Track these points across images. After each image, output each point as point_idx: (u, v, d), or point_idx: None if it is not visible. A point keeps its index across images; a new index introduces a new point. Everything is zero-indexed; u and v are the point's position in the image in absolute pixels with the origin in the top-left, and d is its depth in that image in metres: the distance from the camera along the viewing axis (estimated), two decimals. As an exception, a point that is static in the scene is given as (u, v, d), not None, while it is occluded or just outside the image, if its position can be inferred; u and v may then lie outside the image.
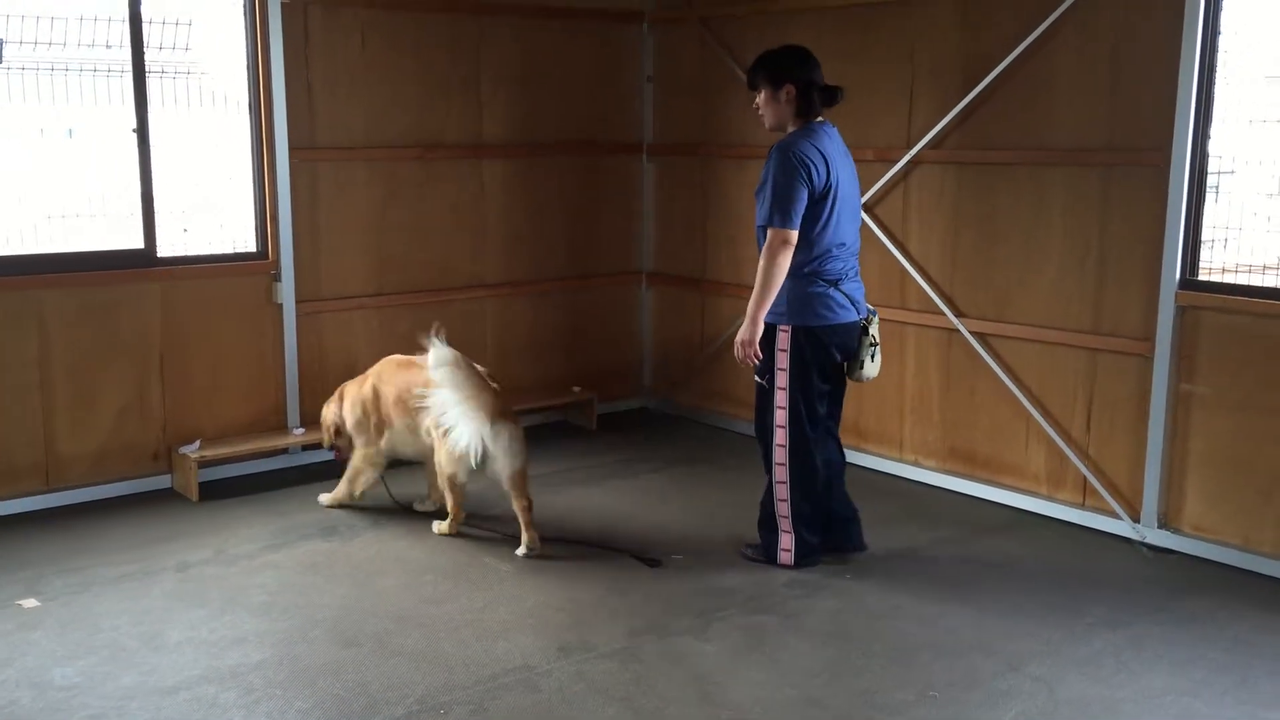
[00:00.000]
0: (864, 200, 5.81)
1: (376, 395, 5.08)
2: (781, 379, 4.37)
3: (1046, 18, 5.01)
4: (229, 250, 5.73)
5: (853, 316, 4.40)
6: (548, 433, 6.54)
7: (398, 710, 3.45)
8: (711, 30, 6.51)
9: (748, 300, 6.44)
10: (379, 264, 6.08)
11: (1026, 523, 5.17)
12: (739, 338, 4.34)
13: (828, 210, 4.26)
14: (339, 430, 5.21)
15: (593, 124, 6.76)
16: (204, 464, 5.41)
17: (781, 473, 4.45)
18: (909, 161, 5.61)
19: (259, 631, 3.98)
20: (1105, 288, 5.01)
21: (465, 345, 6.37)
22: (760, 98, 4.38)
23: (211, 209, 6.06)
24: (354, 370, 5.54)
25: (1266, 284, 4.63)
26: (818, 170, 4.19)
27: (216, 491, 5.41)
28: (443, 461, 4.75)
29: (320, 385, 5.78)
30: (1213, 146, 4.66)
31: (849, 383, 4.59)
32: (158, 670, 3.70)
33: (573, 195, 6.75)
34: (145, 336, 5.45)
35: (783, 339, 4.34)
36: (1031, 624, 4.11)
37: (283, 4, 5.50)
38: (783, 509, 4.49)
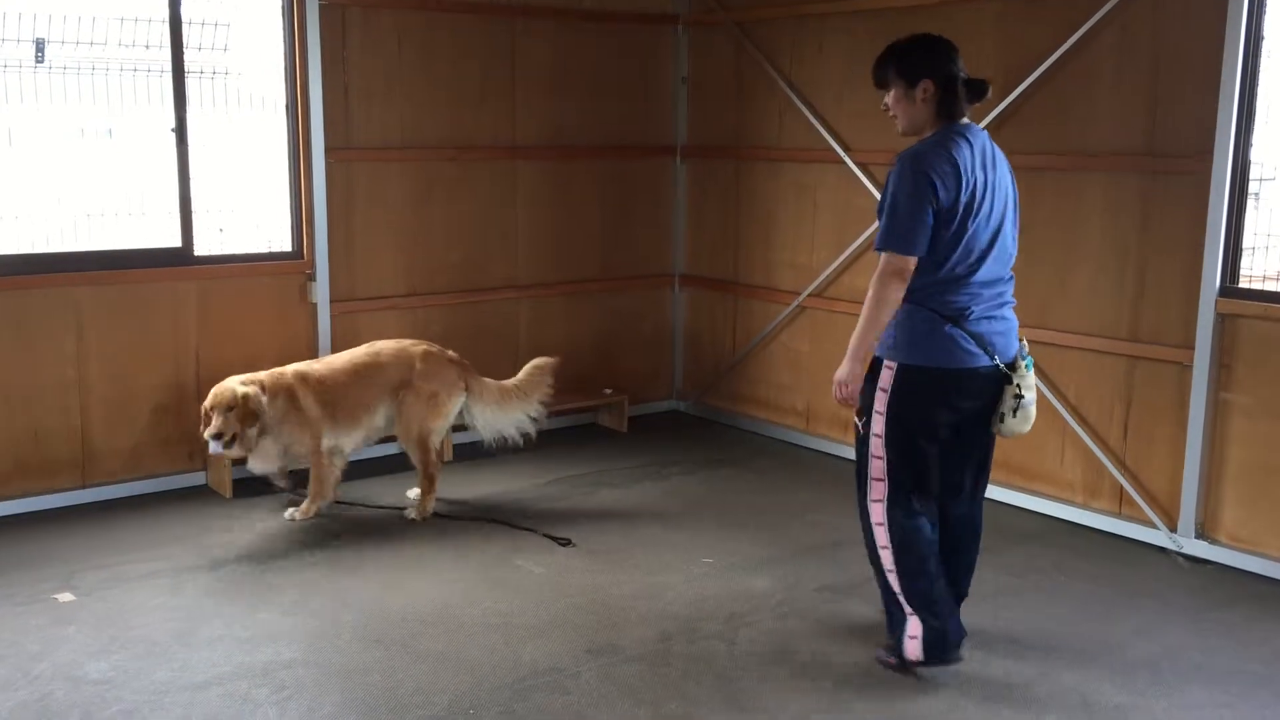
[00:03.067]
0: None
1: (329, 385, 5.13)
2: (878, 424, 3.60)
3: (1086, 21, 4.96)
4: (265, 250, 5.78)
5: (981, 362, 3.54)
6: (579, 434, 6.54)
7: (426, 712, 3.46)
8: (745, 32, 6.49)
9: (780, 305, 6.52)
10: (412, 265, 6.10)
11: (1062, 531, 5.12)
12: (836, 376, 3.64)
13: (957, 232, 3.47)
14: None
15: (626, 126, 6.76)
16: (237, 461, 5.45)
17: (881, 536, 3.65)
18: (945, 165, 5.57)
19: (290, 629, 4.00)
20: (1144, 295, 4.95)
21: (498, 346, 6.42)
22: (889, 97, 3.66)
23: (248, 209, 6.11)
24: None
25: (1309, 292, 4.58)
26: (946, 185, 3.43)
27: (250, 489, 5.44)
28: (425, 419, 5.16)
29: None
30: (1254, 154, 4.60)
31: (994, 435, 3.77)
32: (190, 666, 3.72)
33: (606, 197, 6.75)
34: (181, 334, 5.50)
35: (886, 376, 3.58)
36: (1066, 633, 4.07)
37: (320, 6, 5.54)
38: (894, 581, 3.67)
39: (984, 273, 3.54)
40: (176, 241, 5.44)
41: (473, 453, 6.00)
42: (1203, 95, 4.66)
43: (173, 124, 5.33)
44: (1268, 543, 4.64)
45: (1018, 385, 3.56)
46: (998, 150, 3.64)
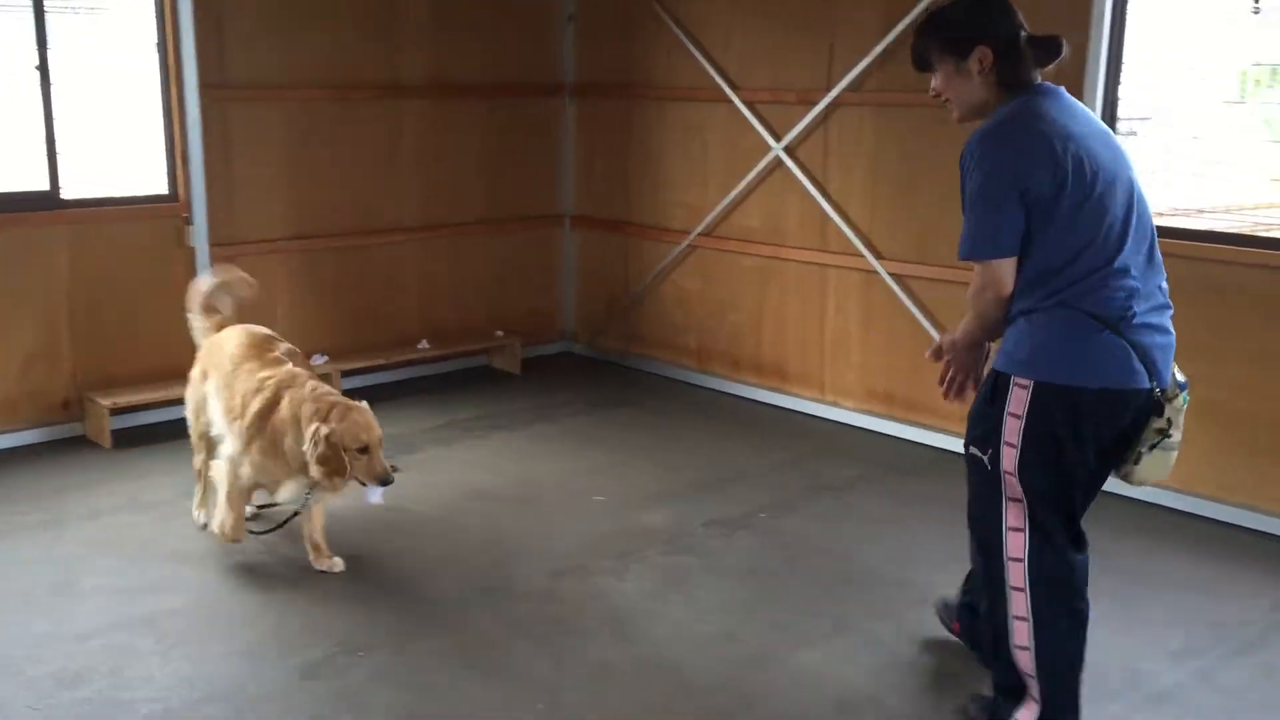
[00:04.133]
0: (786, 143, 5.84)
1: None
2: (1010, 459, 2.82)
3: (964, -41, 5.03)
4: (138, 193, 5.58)
5: (1140, 383, 2.77)
6: (471, 377, 6.52)
7: (316, 653, 3.44)
8: (633, -31, 6.44)
9: (671, 244, 6.55)
10: (298, 207, 5.96)
11: (943, 461, 5.27)
12: (946, 337, 3.05)
13: (1072, 216, 2.74)
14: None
15: (513, 65, 6.67)
16: (116, 411, 5.30)
17: (1020, 603, 2.88)
18: (829, 104, 5.62)
19: (174, 579, 3.94)
20: (1019, 229, 5.08)
21: (388, 289, 6.34)
22: (937, 79, 2.96)
23: (122, 151, 5.89)
24: (274, 320, 5.44)
25: (1169, 224, 4.74)
26: (1035, 164, 2.72)
27: (130, 439, 5.31)
28: None
29: (237, 331, 5.69)
30: (1124, 91, 4.73)
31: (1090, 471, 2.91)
32: (71, 616, 3.65)
33: (493, 137, 6.67)
34: (52, 281, 5.30)
35: (1018, 399, 2.79)
36: (944, 557, 4.20)
37: (190, -64, 5.33)
38: (1024, 661, 2.92)
39: (1129, 256, 2.78)
40: (44, 184, 5.23)
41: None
42: (1072, 33, 4.76)
43: (36, 62, 5.10)
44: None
45: (1167, 419, 2.81)
46: (1086, 113, 2.92)
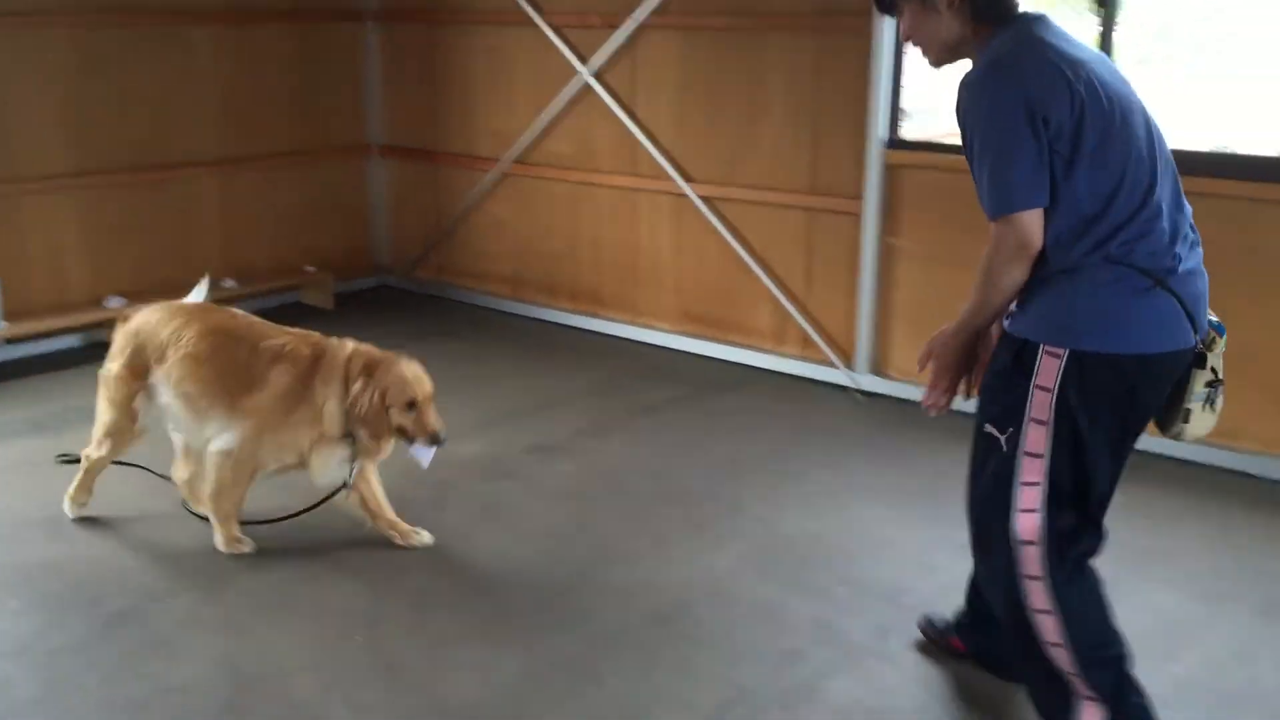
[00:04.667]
0: (595, 69, 5.83)
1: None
2: (1037, 439, 2.49)
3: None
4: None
5: (1187, 341, 2.47)
6: (283, 313, 6.28)
7: (120, 603, 3.34)
8: (431, -111, 6.26)
9: (482, 172, 6.47)
10: (82, 141, 5.64)
11: (754, 378, 5.44)
12: (927, 345, 2.74)
13: (1103, 147, 2.40)
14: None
15: (310, -12, 6.43)
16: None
17: (1039, 595, 2.54)
18: (635, 28, 5.62)
19: (-35, 536, 3.75)
20: (820, 150, 5.23)
21: (186, 228, 6.08)
22: (904, 23, 2.64)
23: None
24: (66, 261, 5.17)
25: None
26: (1055, 93, 2.37)
27: (-90, 394, 4.99)
28: None
29: (22, 273, 5.38)
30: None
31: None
32: None
33: (294, 66, 6.43)
34: None
35: (1048, 369, 2.46)
36: (756, 469, 4.36)
37: None
38: (1064, 659, 2.56)
39: (1160, 190, 2.46)
40: None
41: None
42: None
43: None
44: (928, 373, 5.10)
45: (1211, 369, 2.52)
46: (1079, 41, 2.57)
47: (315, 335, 3.63)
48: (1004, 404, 2.53)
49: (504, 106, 6.29)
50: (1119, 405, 2.48)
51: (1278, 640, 3.20)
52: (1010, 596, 2.57)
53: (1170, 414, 2.57)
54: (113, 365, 3.73)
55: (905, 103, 5.02)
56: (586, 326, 6.12)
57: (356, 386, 3.45)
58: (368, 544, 3.71)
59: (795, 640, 3.17)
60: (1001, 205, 2.42)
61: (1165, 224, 2.44)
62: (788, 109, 5.28)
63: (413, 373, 3.50)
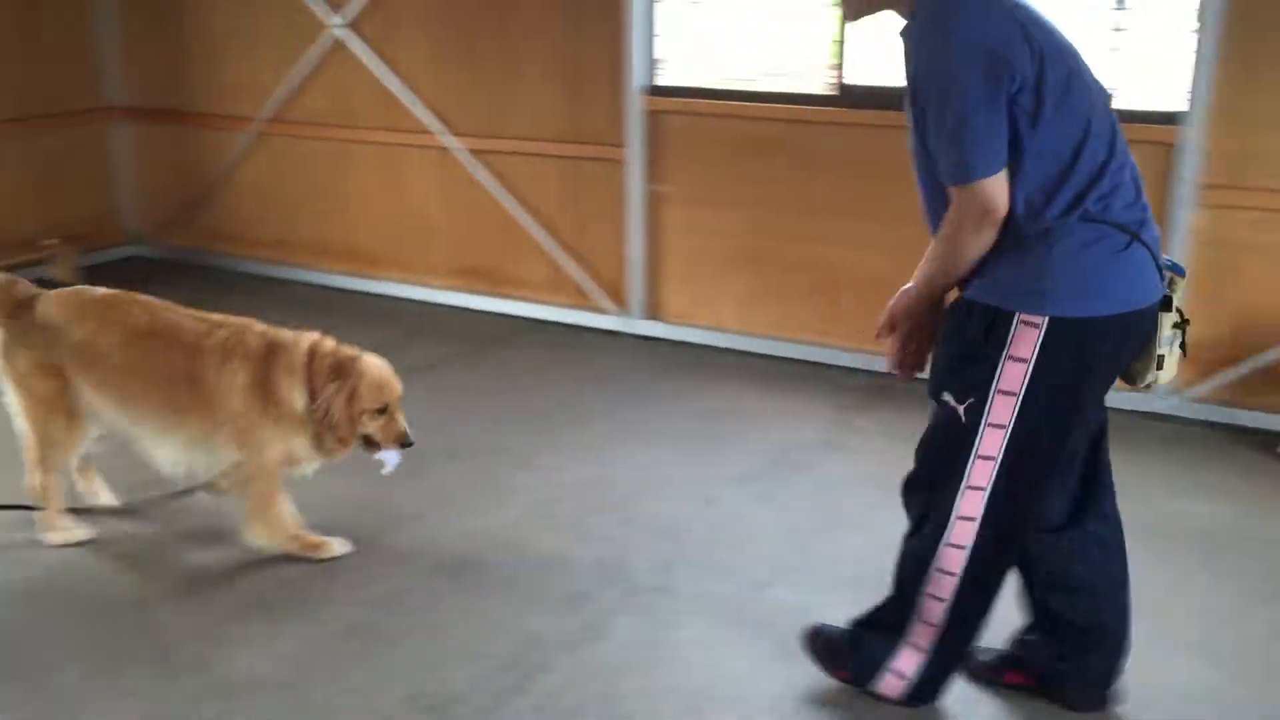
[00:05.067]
0: (346, 19, 5.64)
1: None
2: (1002, 411, 2.35)
3: None
4: None
5: (1159, 289, 2.38)
6: (24, 293, 5.92)
7: None
8: None
9: (237, 133, 6.19)
10: None
11: (531, 329, 5.45)
12: (889, 306, 2.55)
13: (1065, 96, 2.25)
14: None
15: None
16: None
17: (954, 560, 2.48)
18: (386, -23, 5.48)
19: None
20: (581, 98, 5.24)
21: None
22: None
23: None
24: None
25: (719, 87, 5.07)
26: (1012, 41, 2.21)
27: None
28: None
29: None
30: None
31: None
32: None
33: (13, 25, 5.95)
34: None
35: (1024, 340, 2.31)
36: (538, 420, 4.38)
37: None
38: (931, 612, 2.54)
39: (1117, 138, 2.35)
40: None
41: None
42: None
43: None
44: (700, 316, 5.25)
45: (1177, 309, 2.42)
46: None
47: (255, 323, 3.30)
48: (967, 374, 2.37)
49: (253, 62, 6.02)
50: (1101, 368, 2.39)
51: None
52: (927, 553, 2.49)
53: (1141, 365, 2.42)
54: (14, 363, 3.30)
55: (663, 50, 5.09)
56: (359, 288, 5.98)
57: (329, 390, 3.16)
58: (133, 529, 3.54)
59: (582, 583, 3.22)
60: (962, 173, 2.25)
61: (1128, 172, 2.34)
62: (546, 58, 5.27)
63: (384, 375, 3.25)
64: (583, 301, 5.48)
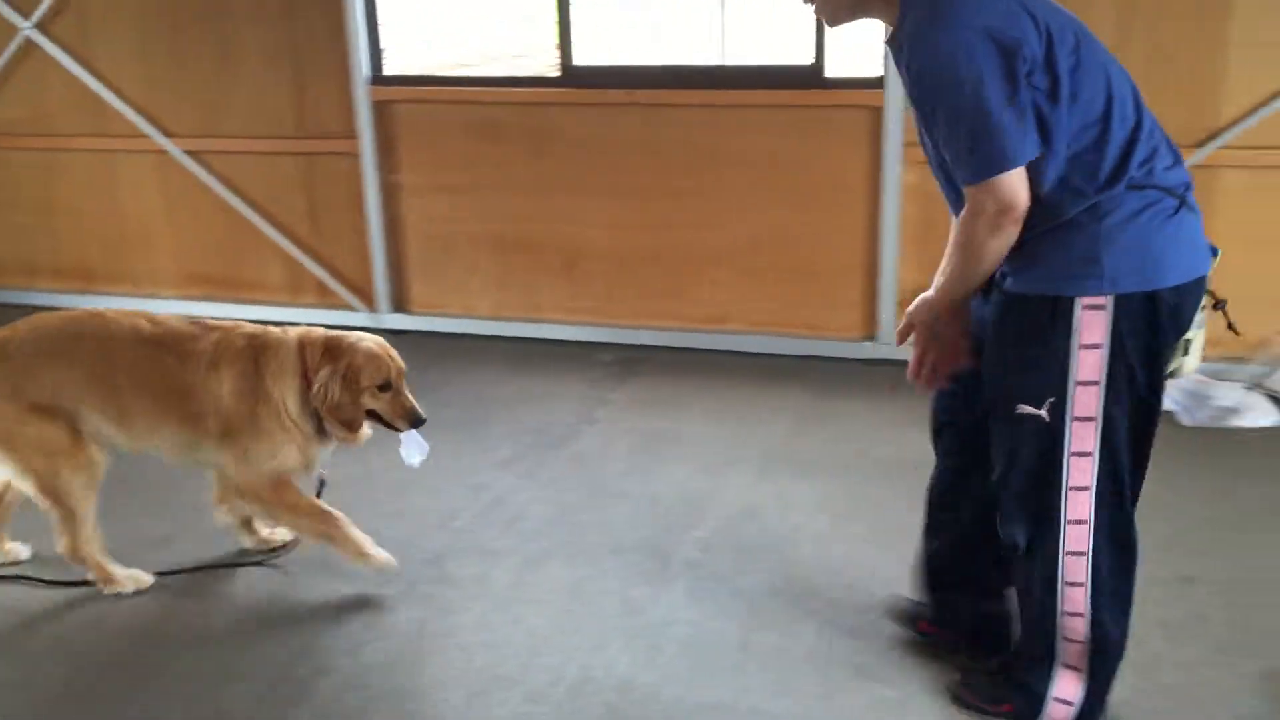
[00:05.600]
0: (35, 19, 5.27)
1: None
2: (1088, 402, 2.21)
3: None
4: None
5: (1209, 258, 2.25)
6: None
7: None
8: None
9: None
10: None
11: (274, 333, 5.28)
12: (907, 314, 2.43)
13: (1078, 66, 2.13)
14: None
15: None
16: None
17: (1078, 568, 2.32)
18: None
19: None
20: (306, 92, 5.10)
21: None
22: None
23: None
24: None
25: (448, 74, 5.05)
26: (1017, 24, 2.08)
27: None
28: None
29: None
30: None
31: None
32: None
33: None
34: None
35: (1093, 325, 2.17)
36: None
37: None
38: (1074, 629, 2.38)
39: (1144, 107, 2.22)
40: None
41: None
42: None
43: None
44: (451, 304, 5.23)
45: (1210, 290, 2.29)
46: None
47: (246, 325, 3.10)
48: (1039, 375, 2.22)
49: (-67, 70, 5.53)
50: (1173, 338, 2.23)
51: (777, 493, 3.66)
52: (1050, 570, 2.34)
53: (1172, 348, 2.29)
54: (12, 409, 2.98)
55: (390, 38, 5.01)
56: (79, 304, 5.60)
57: (324, 373, 2.97)
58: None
59: (357, 584, 3.17)
60: (981, 170, 2.10)
61: (1159, 134, 2.21)
62: (265, 52, 5.09)
63: (380, 349, 3.05)
64: (327, 300, 5.35)
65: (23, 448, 3.00)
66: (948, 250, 2.27)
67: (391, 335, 5.10)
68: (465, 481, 3.79)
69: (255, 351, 3.02)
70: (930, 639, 2.77)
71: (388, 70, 5.03)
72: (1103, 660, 2.38)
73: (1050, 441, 2.24)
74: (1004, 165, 2.08)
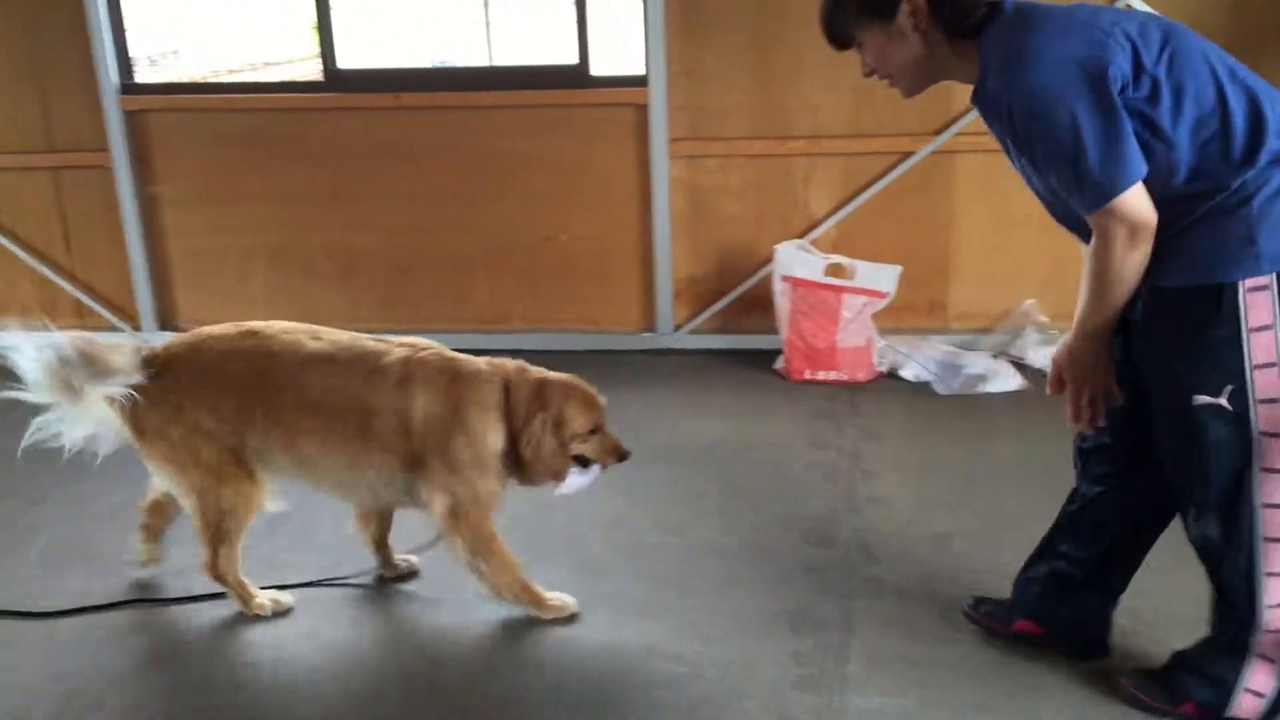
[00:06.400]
0: None
1: None
2: (1269, 384, 2.18)
3: None
4: None
5: None
6: None
7: None
8: None
9: None
10: None
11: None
12: (1054, 362, 2.40)
13: (1180, 65, 2.14)
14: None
15: None
16: None
17: (1276, 556, 2.27)
18: None
19: None
20: (51, 104, 4.86)
21: None
22: (868, 54, 2.33)
23: None
24: None
25: (205, 80, 4.89)
26: (1097, 46, 2.11)
27: None
28: None
29: None
30: None
31: None
32: None
33: None
34: None
35: (1260, 306, 2.16)
36: (47, 456, 4.03)
37: None
38: (1274, 619, 2.31)
39: (1259, 80, 2.22)
40: None
41: None
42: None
43: None
44: (219, 317, 4.92)
45: None
46: None
47: (427, 343, 2.93)
48: (1213, 365, 2.19)
49: None
50: None
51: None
52: (1249, 562, 2.27)
53: None
54: (166, 432, 2.82)
55: (143, 47, 4.82)
56: None
57: (535, 424, 2.79)
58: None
59: (130, 614, 3.05)
60: (1099, 196, 2.11)
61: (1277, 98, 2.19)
62: (8, 65, 4.80)
63: (587, 394, 2.89)
64: (86, 320, 5.09)
65: (187, 467, 2.86)
66: (1083, 282, 2.25)
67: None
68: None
69: (451, 377, 2.83)
70: (1024, 638, 2.72)
71: (141, 79, 4.83)
72: None
73: (1234, 429, 2.20)
74: (1119, 188, 2.10)
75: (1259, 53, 3.88)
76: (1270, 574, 2.26)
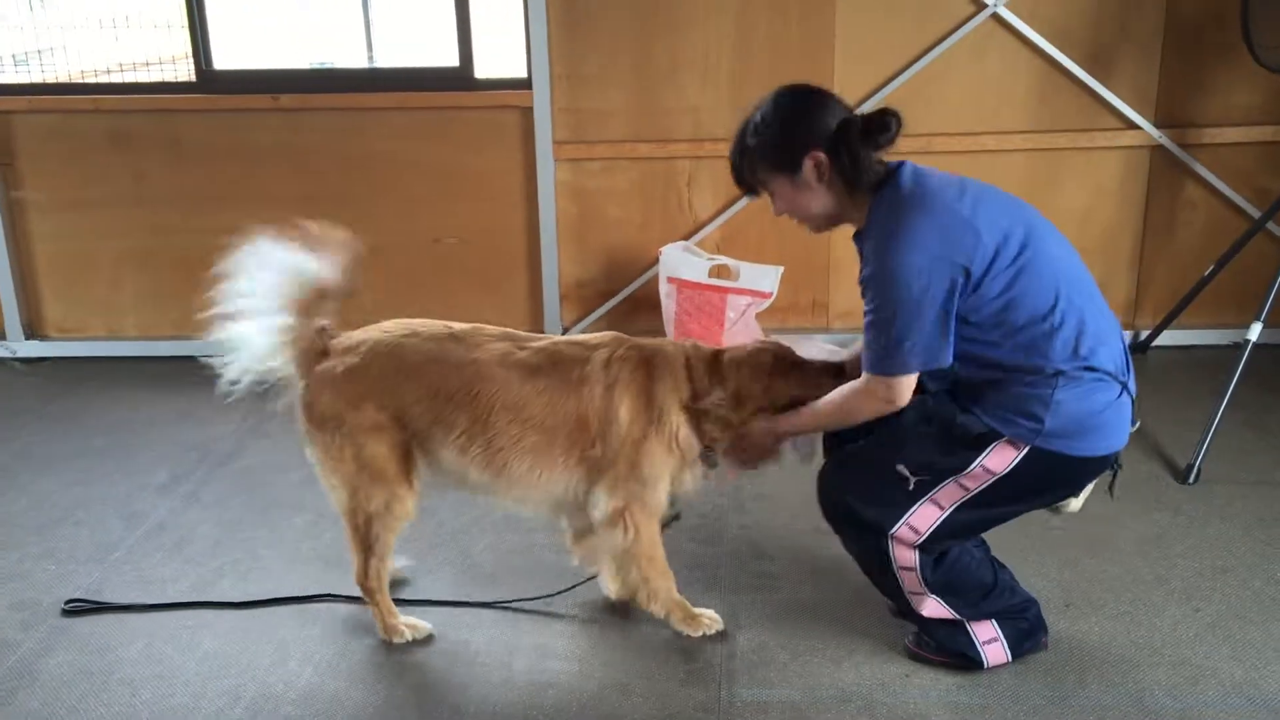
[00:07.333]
0: None
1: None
2: (951, 495, 2.49)
3: None
4: None
5: (1125, 438, 2.51)
6: None
7: None
8: None
9: None
10: None
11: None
12: (737, 453, 2.77)
13: (1032, 268, 2.38)
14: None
15: None
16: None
17: (911, 580, 2.61)
18: None
19: None
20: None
21: None
22: (777, 200, 2.56)
23: None
24: None
25: (72, 81, 4.73)
26: (960, 249, 2.33)
27: None
28: None
29: None
30: None
31: None
32: None
33: None
34: None
35: (1003, 458, 2.44)
36: (-90, 472, 3.87)
37: None
38: (941, 608, 2.63)
39: (1097, 292, 2.50)
40: None
41: None
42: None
43: None
44: (94, 327, 4.90)
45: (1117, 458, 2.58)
46: (945, 175, 2.50)
47: (610, 337, 2.76)
48: (931, 460, 2.48)
49: None
50: (1060, 492, 2.56)
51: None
52: (880, 563, 2.60)
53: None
54: (351, 419, 2.66)
55: (11, 46, 4.64)
56: None
57: (714, 396, 2.66)
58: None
59: (-1, 632, 2.94)
60: (889, 367, 2.38)
61: (1106, 321, 2.46)
62: None
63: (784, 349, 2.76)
64: (-51, 333, 4.89)
65: (345, 460, 2.69)
66: (822, 406, 2.56)
67: (25, 364, 4.77)
68: (120, 512, 3.57)
69: (646, 363, 2.70)
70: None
71: (10, 79, 4.65)
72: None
73: (902, 500, 2.51)
74: (908, 370, 2.38)
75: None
76: (903, 568, 2.58)
